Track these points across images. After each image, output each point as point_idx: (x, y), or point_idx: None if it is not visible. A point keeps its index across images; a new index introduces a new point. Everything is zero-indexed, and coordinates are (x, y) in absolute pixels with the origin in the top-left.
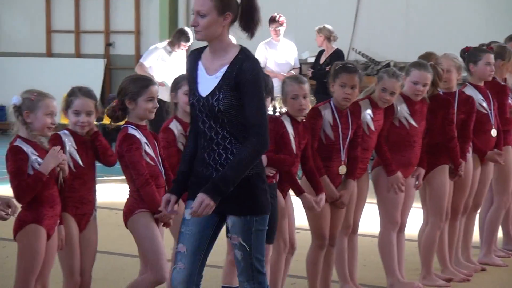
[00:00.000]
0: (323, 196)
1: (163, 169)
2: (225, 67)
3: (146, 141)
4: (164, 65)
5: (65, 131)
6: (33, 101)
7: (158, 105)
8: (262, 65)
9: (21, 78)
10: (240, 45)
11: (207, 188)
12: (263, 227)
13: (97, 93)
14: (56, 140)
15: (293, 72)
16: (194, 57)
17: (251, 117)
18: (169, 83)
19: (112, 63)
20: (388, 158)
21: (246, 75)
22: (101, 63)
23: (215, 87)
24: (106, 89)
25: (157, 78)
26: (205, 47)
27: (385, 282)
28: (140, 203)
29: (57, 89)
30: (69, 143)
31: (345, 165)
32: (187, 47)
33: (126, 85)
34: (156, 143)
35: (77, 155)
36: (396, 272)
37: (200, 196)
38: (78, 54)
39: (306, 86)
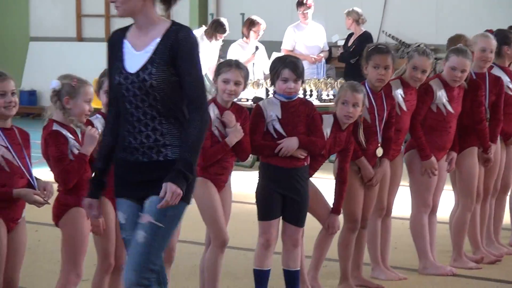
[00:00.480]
0: None
1: None
2: (157, 40)
3: None
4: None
5: (97, 115)
6: (74, 87)
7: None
8: (291, 48)
9: (51, 63)
10: (172, 20)
11: (172, 176)
12: (178, 214)
13: None
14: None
15: (322, 55)
16: (117, 36)
17: (190, 91)
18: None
19: None
20: (423, 142)
21: (182, 44)
22: None
23: (147, 61)
24: None
25: None
26: (130, 26)
27: (416, 264)
28: None
29: (88, 73)
30: (102, 127)
31: (381, 147)
32: (222, 37)
33: None
34: None
35: None
36: (429, 254)
37: (169, 186)
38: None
39: (360, 96)
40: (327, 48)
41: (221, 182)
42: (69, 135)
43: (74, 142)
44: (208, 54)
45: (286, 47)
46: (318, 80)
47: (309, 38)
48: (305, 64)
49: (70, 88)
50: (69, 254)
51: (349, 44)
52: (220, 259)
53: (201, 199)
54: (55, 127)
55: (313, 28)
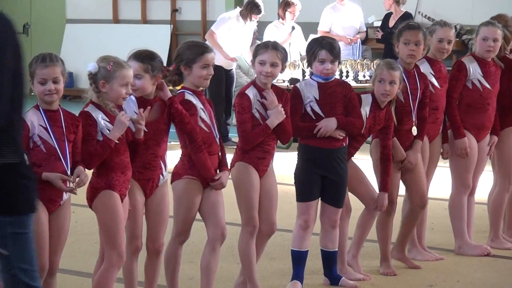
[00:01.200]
0: None
1: (218, 135)
2: None
3: (202, 107)
4: (234, 35)
5: (131, 97)
6: (109, 71)
7: (213, 73)
8: (327, 29)
9: (88, 45)
10: None
11: None
12: (22, 230)
13: (164, 59)
14: (119, 107)
15: (358, 36)
16: None
17: None
18: (236, 53)
19: (178, 29)
20: (457, 120)
21: None
22: (167, 29)
23: None
24: (172, 55)
25: (225, 48)
26: None
27: (452, 244)
28: (188, 169)
29: (124, 55)
30: (130, 109)
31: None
32: (257, 18)
33: (182, 51)
34: (212, 110)
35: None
36: (465, 235)
37: None
38: (145, 20)
39: (397, 73)
40: (364, 29)
41: (263, 166)
42: (102, 116)
43: (107, 124)
44: (243, 35)
45: (322, 29)
46: (355, 61)
47: (345, 19)
48: (341, 45)
49: (105, 72)
50: (107, 237)
51: (390, 24)
52: (252, 243)
53: (238, 184)
54: (89, 108)
55: (350, 9)
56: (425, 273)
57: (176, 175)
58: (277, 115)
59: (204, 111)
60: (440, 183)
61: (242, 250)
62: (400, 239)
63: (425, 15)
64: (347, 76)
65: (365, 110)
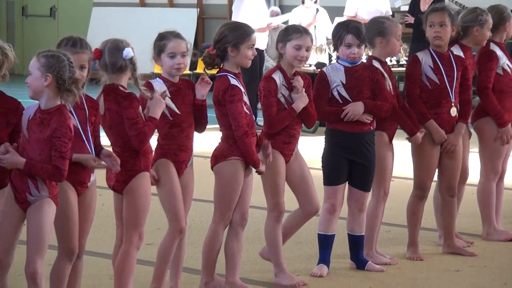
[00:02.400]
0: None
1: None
2: None
3: (244, 90)
4: (254, 13)
5: (158, 79)
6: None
7: (256, 53)
8: (353, 14)
9: (114, 29)
10: None
11: None
12: None
13: (191, 42)
14: (149, 88)
15: None
16: None
17: None
18: (255, 25)
19: (205, 12)
20: (499, 110)
21: None
22: (194, 13)
23: None
24: (199, 39)
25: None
26: None
27: (480, 230)
28: (234, 150)
29: (150, 39)
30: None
31: (456, 108)
32: None
33: (228, 33)
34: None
35: (172, 103)
36: (493, 221)
37: None
38: (171, 4)
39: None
40: (390, 13)
41: (288, 150)
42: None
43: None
44: (261, 8)
45: (348, 13)
46: None
47: (371, 4)
48: None
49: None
50: (133, 218)
51: (423, 8)
52: (278, 228)
53: (266, 169)
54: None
55: None
56: (451, 258)
57: (220, 157)
58: (302, 98)
59: (245, 94)
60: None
61: (268, 235)
62: (447, 234)
63: (456, 2)
64: None
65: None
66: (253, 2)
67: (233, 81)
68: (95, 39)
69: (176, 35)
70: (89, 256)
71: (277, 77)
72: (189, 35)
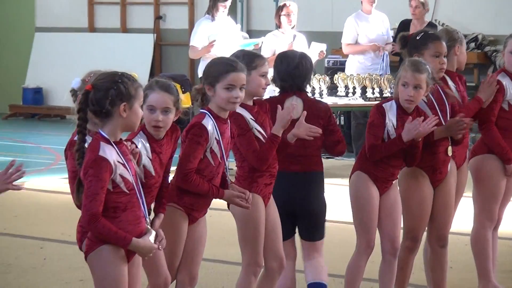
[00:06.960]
0: None
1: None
2: None
3: (217, 136)
4: (214, 37)
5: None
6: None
7: (242, 96)
8: (353, 41)
9: (60, 56)
10: None
11: None
12: None
13: (146, 71)
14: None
15: (387, 47)
16: None
17: None
18: (222, 52)
19: (162, 38)
20: (504, 145)
21: None
22: (150, 39)
23: None
24: (156, 67)
25: (218, 52)
26: None
27: (474, 286)
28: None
29: (101, 68)
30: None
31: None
32: (226, 7)
33: (206, 69)
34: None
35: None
36: (491, 274)
37: None
38: (124, 29)
39: (423, 77)
40: (391, 40)
41: (268, 193)
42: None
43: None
44: (225, 31)
45: (347, 41)
46: (380, 76)
47: (371, 30)
48: (369, 58)
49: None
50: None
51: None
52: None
53: (246, 219)
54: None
55: (376, 17)
56: None
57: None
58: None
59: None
60: (460, 215)
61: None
62: None
63: (442, 24)
64: (353, 93)
65: (391, 121)
66: (213, 25)
67: (206, 121)
68: (38, 68)
69: (162, 87)
70: None
71: (245, 114)
72: (145, 63)
